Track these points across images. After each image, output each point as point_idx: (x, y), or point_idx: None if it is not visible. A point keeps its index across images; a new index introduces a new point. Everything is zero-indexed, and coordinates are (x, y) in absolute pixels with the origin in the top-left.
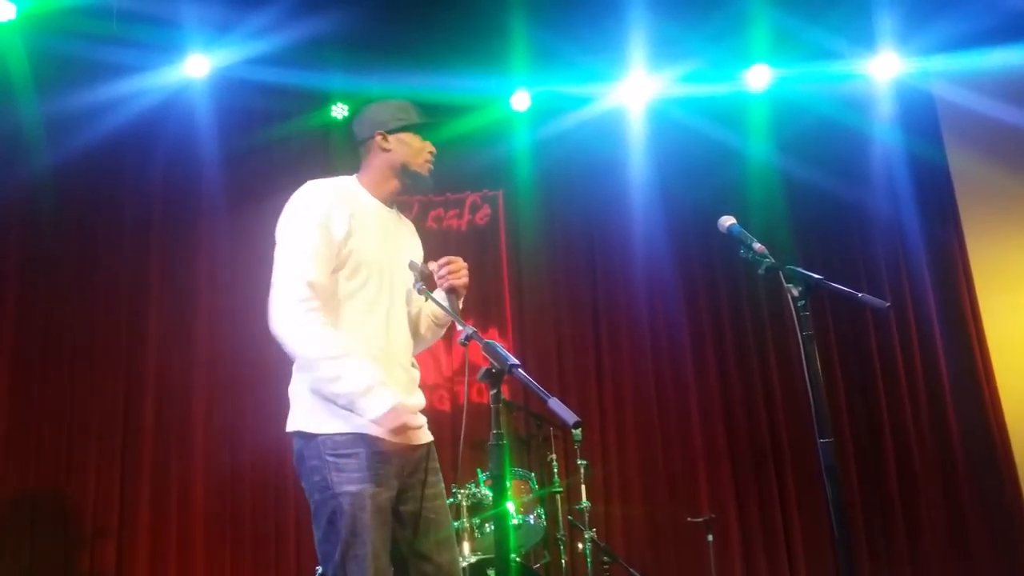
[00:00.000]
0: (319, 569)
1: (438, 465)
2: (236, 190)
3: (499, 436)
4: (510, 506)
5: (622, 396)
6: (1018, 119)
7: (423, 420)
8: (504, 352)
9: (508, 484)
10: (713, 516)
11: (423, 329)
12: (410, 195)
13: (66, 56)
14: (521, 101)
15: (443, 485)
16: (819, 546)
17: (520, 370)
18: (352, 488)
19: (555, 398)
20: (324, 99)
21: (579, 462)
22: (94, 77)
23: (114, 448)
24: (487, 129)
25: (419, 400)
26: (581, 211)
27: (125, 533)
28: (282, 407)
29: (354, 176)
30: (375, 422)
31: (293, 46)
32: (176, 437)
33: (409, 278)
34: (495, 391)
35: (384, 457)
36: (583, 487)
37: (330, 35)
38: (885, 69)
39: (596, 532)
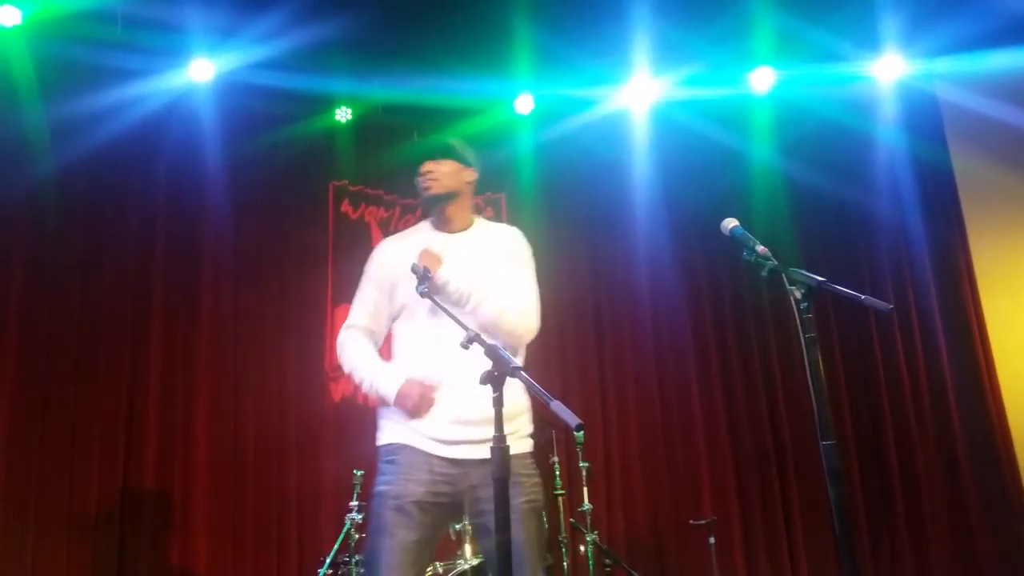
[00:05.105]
0: None
1: (520, 479)
2: (240, 194)
3: (500, 439)
4: None
5: (625, 398)
6: (1022, 121)
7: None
8: (506, 354)
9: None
10: (715, 519)
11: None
12: (431, 213)
13: (71, 61)
14: (525, 104)
15: (527, 498)
16: (822, 549)
17: (522, 372)
18: (380, 488)
19: (557, 400)
20: (328, 103)
21: (581, 464)
22: (99, 82)
23: (116, 448)
24: (490, 132)
25: (474, 413)
26: (584, 214)
27: (127, 537)
28: (284, 408)
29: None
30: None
31: (297, 50)
32: (180, 439)
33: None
34: (497, 394)
35: (420, 464)
36: (585, 489)
37: (334, 39)
38: (889, 71)
39: (598, 535)
